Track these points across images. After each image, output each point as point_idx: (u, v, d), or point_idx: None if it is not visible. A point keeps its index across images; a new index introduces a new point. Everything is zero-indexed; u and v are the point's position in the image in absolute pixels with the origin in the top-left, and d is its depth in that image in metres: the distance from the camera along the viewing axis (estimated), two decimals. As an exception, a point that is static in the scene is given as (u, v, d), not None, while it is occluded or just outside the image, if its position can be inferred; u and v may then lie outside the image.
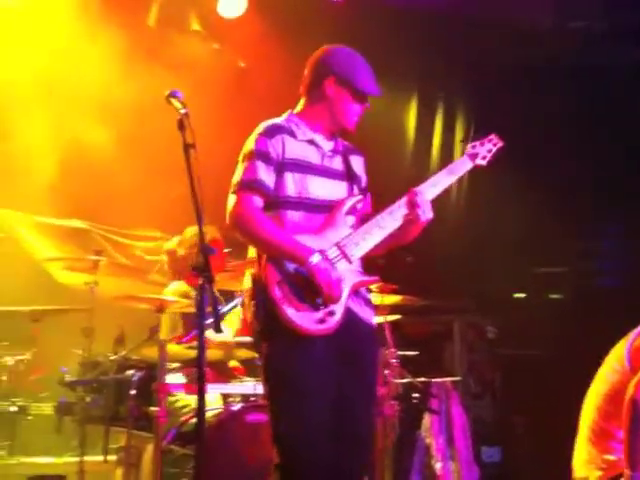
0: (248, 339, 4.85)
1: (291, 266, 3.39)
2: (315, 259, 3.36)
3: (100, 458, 5.10)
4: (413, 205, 3.59)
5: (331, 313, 3.38)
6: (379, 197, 3.86)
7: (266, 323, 3.40)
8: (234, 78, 7.66)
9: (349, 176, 3.69)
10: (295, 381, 3.36)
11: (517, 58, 7.63)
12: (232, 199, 3.49)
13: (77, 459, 5.06)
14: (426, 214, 3.60)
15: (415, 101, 8.48)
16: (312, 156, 3.60)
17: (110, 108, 6.70)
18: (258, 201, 3.47)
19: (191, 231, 5.65)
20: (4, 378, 5.56)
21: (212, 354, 4.76)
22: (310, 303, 3.36)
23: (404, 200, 3.62)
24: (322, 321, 3.36)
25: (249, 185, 3.47)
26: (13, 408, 5.39)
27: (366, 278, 3.57)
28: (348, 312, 3.45)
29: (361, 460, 3.56)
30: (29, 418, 5.49)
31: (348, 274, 3.47)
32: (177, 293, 5.47)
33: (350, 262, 3.49)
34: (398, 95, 8.07)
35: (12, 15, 6.54)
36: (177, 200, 6.92)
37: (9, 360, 5.57)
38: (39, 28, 6.54)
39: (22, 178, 6.19)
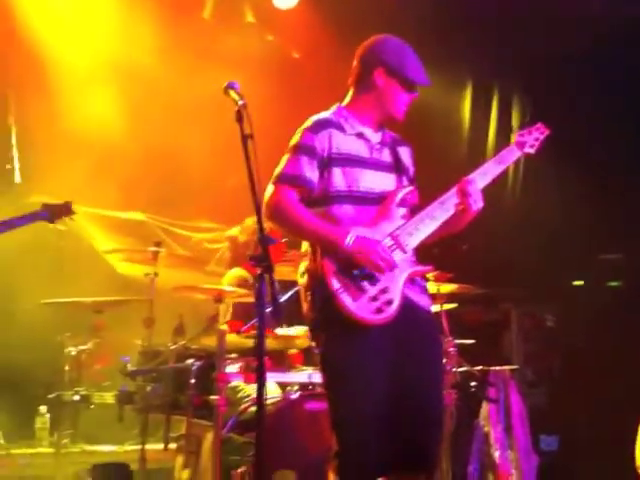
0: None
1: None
2: (349, 240, 3.37)
3: (161, 446, 5.17)
4: (464, 194, 3.58)
5: (389, 302, 3.39)
6: (435, 187, 3.85)
7: (323, 314, 3.42)
8: (288, 69, 7.69)
9: (398, 168, 3.68)
10: (353, 370, 3.36)
11: (570, 45, 7.52)
12: (270, 189, 3.51)
13: (138, 447, 5.15)
14: (477, 203, 3.59)
15: (469, 89, 8.42)
16: (361, 149, 3.60)
17: (167, 102, 6.78)
18: (295, 195, 3.49)
19: (252, 219, 5.69)
20: (67, 368, 5.66)
21: (270, 343, 4.79)
22: (369, 283, 3.37)
23: (455, 189, 3.62)
24: (380, 310, 3.37)
25: (289, 179, 3.50)
26: (76, 397, 5.47)
27: (421, 267, 3.58)
28: (405, 300, 3.45)
29: (435, 442, 3.56)
30: (92, 407, 5.57)
31: (403, 264, 3.48)
32: (235, 279, 5.53)
33: (405, 252, 3.50)
34: (452, 84, 8.01)
35: (74, 10, 6.64)
36: (233, 191, 7.03)
37: (72, 350, 5.66)
38: (103, 23, 6.62)
39: (82, 171, 6.28)
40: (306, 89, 7.36)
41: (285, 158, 3.55)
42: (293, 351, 5.46)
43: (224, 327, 4.91)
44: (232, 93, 3.27)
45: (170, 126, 6.73)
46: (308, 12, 7.40)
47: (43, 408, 6.16)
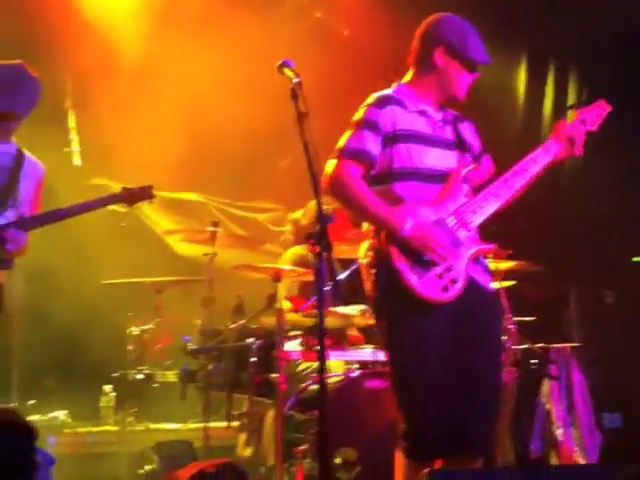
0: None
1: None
2: (407, 226, 3.36)
3: (223, 424, 5.23)
4: (567, 138, 3.61)
5: (453, 281, 3.38)
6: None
7: (388, 292, 3.41)
8: (338, 47, 7.65)
9: (460, 145, 3.65)
10: (418, 349, 3.36)
11: (635, 24, 7.34)
12: (332, 163, 3.50)
13: (201, 425, 5.22)
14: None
15: (525, 66, 8.28)
16: (424, 127, 3.57)
17: (223, 81, 6.79)
18: (357, 169, 3.47)
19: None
20: (130, 347, 5.76)
21: (330, 322, 4.81)
22: (429, 267, 3.36)
23: (533, 155, 3.60)
24: (445, 289, 3.36)
25: (352, 153, 3.48)
26: (140, 376, 5.58)
27: (484, 246, 3.55)
28: (469, 280, 3.43)
29: (494, 422, 3.54)
30: (155, 386, 5.68)
31: (467, 242, 3.46)
32: (294, 257, 5.56)
33: (468, 230, 3.48)
34: (507, 61, 7.89)
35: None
36: (288, 171, 7.05)
37: (135, 330, 5.76)
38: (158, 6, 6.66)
39: (140, 153, 6.34)
40: (356, 67, 7.32)
41: (348, 133, 3.53)
42: (352, 329, 5.48)
43: (284, 305, 4.95)
44: (287, 71, 3.26)
45: (226, 106, 6.74)
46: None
47: (108, 387, 6.27)
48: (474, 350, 3.41)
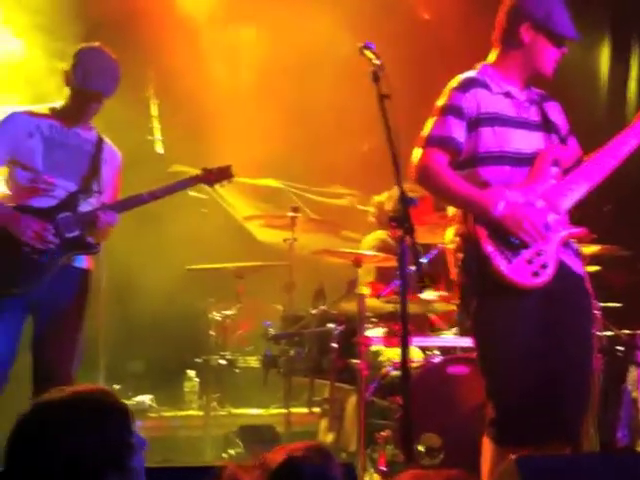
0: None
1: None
2: (500, 207, 3.29)
3: (305, 410, 5.26)
4: None
5: (544, 266, 3.31)
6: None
7: (476, 278, 3.36)
8: (418, 31, 7.57)
9: (547, 126, 3.56)
10: (509, 335, 3.30)
11: None
12: (418, 153, 3.45)
13: (283, 410, 5.25)
14: None
15: (608, 46, 8.06)
16: (508, 109, 3.49)
17: (297, 66, 6.80)
18: (444, 157, 3.41)
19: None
20: (213, 333, 5.82)
21: (411, 307, 4.76)
22: (523, 246, 3.30)
23: (628, 132, 3.51)
24: (536, 274, 3.29)
25: (437, 141, 3.42)
26: (222, 362, 5.63)
27: (574, 229, 3.47)
28: (560, 264, 3.36)
29: (583, 410, 3.47)
30: (237, 371, 5.72)
31: (557, 226, 3.39)
32: (376, 241, 5.54)
33: (558, 213, 3.41)
34: (589, 40, 7.69)
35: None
36: (368, 156, 7.01)
37: (217, 316, 5.82)
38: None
39: (219, 141, 6.39)
40: (437, 51, 7.24)
41: (432, 120, 3.47)
42: (433, 315, 5.44)
43: (365, 290, 4.93)
44: (368, 53, 3.23)
45: (305, 92, 6.75)
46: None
47: (191, 372, 6.37)
48: (565, 336, 3.34)
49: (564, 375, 3.32)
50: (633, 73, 8.00)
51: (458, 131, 3.41)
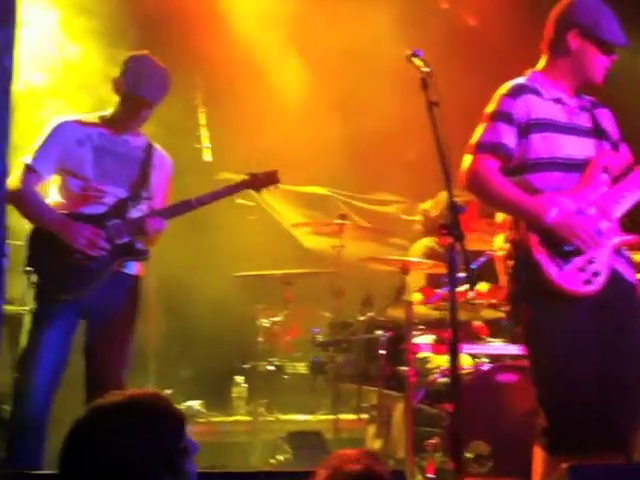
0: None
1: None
2: (552, 214, 3.27)
3: (352, 416, 5.26)
4: None
5: (596, 273, 3.28)
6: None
7: (527, 285, 3.33)
8: (464, 37, 7.54)
9: (598, 132, 3.53)
10: (563, 344, 3.27)
11: None
12: (468, 159, 3.43)
13: (331, 417, 5.26)
14: None
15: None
16: (559, 115, 3.46)
17: (343, 73, 6.81)
18: (494, 163, 3.39)
19: (445, 193, 5.64)
20: (261, 339, 5.85)
21: (459, 314, 4.74)
22: (572, 256, 3.27)
23: None
24: (588, 282, 3.27)
25: (487, 147, 3.40)
26: (270, 367, 5.66)
27: (626, 237, 3.43)
28: (612, 272, 3.33)
29: (636, 420, 3.39)
30: (285, 377, 5.75)
31: (608, 233, 3.35)
32: (423, 248, 5.53)
33: (610, 220, 3.37)
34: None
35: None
36: (414, 163, 7.00)
37: (265, 322, 5.84)
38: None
39: (267, 148, 6.42)
40: (483, 57, 7.20)
41: (482, 126, 3.46)
42: (478, 322, 5.41)
43: (415, 296, 4.91)
44: (416, 61, 3.22)
45: (351, 99, 6.76)
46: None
47: (239, 378, 6.39)
48: (618, 344, 3.30)
49: (618, 384, 3.27)
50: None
51: (508, 137, 3.39)
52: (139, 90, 3.99)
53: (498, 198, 3.40)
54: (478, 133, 3.46)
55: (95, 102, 4.11)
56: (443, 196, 5.59)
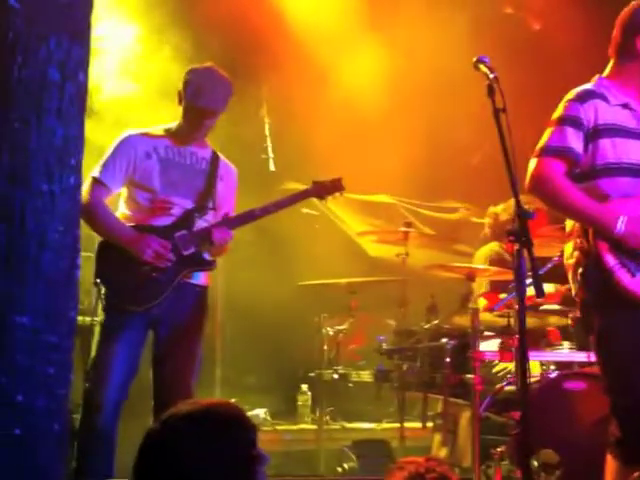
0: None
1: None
2: (620, 225, 3.22)
3: (418, 424, 5.23)
4: None
5: None
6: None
7: (599, 293, 3.30)
8: (529, 41, 7.49)
9: None
10: (635, 352, 3.21)
11: None
12: (533, 163, 3.41)
13: (396, 425, 5.24)
14: None
15: None
16: (628, 120, 3.43)
17: (407, 81, 6.82)
18: (561, 167, 3.36)
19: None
20: (325, 348, 5.87)
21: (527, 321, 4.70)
22: None
23: None
24: None
25: (554, 151, 3.38)
26: (335, 376, 5.67)
27: None
28: None
29: None
30: (350, 385, 5.75)
31: None
32: (490, 252, 5.50)
33: None
34: None
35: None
36: (478, 169, 6.97)
37: (330, 330, 5.86)
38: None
39: (331, 157, 6.45)
40: (547, 61, 7.14)
41: (549, 130, 3.44)
42: (551, 328, 5.36)
43: (480, 302, 4.88)
44: (482, 67, 3.20)
45: (416, 106, 6.76)
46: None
47: (304, 386, 6.42)
48: None
49: None
50: None
51: (576, 141, 3.36)
52: (200, 100, 4.04)
53: (563, 203, 3.37)
54: (545, 137, 3.44)
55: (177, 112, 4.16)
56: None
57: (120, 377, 3.90)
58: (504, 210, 5.70)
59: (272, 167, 5.74)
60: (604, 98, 3.42)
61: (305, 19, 6.73)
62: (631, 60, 3.46)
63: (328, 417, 5.93)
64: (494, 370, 5.12)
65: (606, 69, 3.57)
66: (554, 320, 4.99)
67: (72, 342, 2.55)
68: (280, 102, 6.31)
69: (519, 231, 2.99)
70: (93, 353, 3.91)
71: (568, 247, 3.48)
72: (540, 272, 4.84)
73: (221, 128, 4.28)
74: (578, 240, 3.39)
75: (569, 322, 4.95)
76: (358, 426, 6.16)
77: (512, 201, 5.58)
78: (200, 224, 4.09)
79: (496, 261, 5.30)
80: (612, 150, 3.37)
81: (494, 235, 5.75)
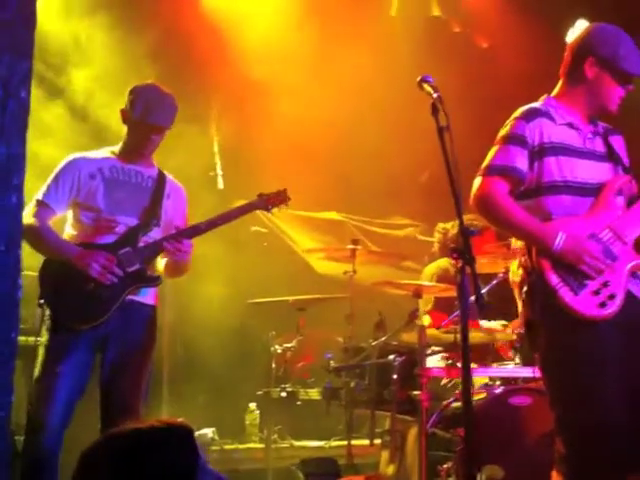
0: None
1: None
2: (559, 242, 3.26)
3: (366, 442, 5.24)
4: None
5: (611, 296, 3.25)
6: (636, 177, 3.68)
7: (543, 312, 3.32)
8: (477, 60, 7.60)
9: (612, 157, 3.53)
10: (580, 369, 3.23)
11: None
12: (478, 182, 3.43)
13: (344, 442, 5.24)
14: None
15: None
16: (573, 139, 3.47)
17: (356, 100, 6.86)
18: (504, 186, 3.39)
19: (467, 217, 5.61)
20: (274, 366, 5.85)
21: (472, 337, 4.74)
22: (585, 283, 3.26)
23: None
24: (603, 305, 3.24)
25: (498, 170, 3.40)
26: (283, 394, 5.66)
27: None
28: (628, 295, 3.31)
29: None
30: (298, 403, 5.74)
31: (624, 255, 3.34)
32: (438, 269, 5.54)
33: (625, 243, 3.36)
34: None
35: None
36: (426, 187, 7.03)
37: (278, 348, 5.85)
38: (297, 29, 6.80)
39: (279, 174, 6.44)
40: (497, 79, 7.24)
41: (494, 149, 3.47)
42: (499, 344, 5.40)
43: (425, 319, 4.91)
44: (426, 86, 3.22)
45: (362, 125, 6.80)
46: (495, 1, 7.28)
47: (252, 405, 6.39)
48: (638, 369, 3.26)
49: (636, 407, 3.22)
50: None
51: (520, 160, 3.39)
52: (150, 117, 4.04)
53: (505, 222, 3.40)
54: (490, 156, 3.47)
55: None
56: (464, 217, 5.59)
57: (64, 398, 3.84)
58: (453, 226, 5.76)
59: (221, 185, 5.72)
60: (550, 117, 3.46)
61: (249, 36, 6.74)
62: (579, 83, 3.50)
63: (276, 435, 5.91)
64: (442, 386, 5.15)
65: (555, 89, 3.62)
66: (501, 336, 5.04)
67: (13, 364, 2.51)
68: (229, 120, 6.31)
69: (462, 248, 3.02)
70: (37, 374, 3.85)
71: (513, 265, 3.51)
72: (485, 289, 4.98)
73: (170, 146, 4.27)
74: (522, 258, 3.42)
75: (514, 337, 5.00)
76: (306, 444, 6.15)
77: (464, 216, 5.65)
78: (145, 240, 4.08)
79: (443, 278, 5.35)
80: (557, 168, 3.40)
81: (443, 251, 5.80)
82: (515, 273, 3.47)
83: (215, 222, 4.17)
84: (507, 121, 3.50)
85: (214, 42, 6.60)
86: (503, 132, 3.48)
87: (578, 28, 7.18)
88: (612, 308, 3.25)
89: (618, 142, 3.62)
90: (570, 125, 3.49)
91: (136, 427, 2.04)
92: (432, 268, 5.68)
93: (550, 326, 3.31)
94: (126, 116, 4.11)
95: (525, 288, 3.39)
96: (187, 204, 4.37)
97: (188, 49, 6.37)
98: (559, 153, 3.42)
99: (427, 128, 3.21)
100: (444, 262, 5.65)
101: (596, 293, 3.25)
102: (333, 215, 7.31)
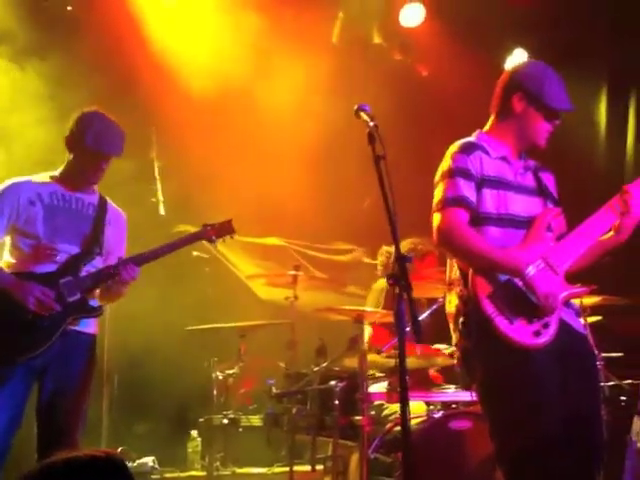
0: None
1: (502, 278, 3.36)
2: (531, 270, 3.33)
3: (308, 468, 5.23)
4: (628, 201, 3.47)
5: (546, 325, 3.32)
6: (574, 196, 3.76)
7: (480, 341, 3.36)
8: (417, 87, 7.70)
9: (542, 192, 3.62)
10: (517, 398, 3.27)
11: None
12: (437, 217, 3.46)
13: (286, 469, 5.23)
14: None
15: (605, 97, 8.15)
16: (507, 173, 3.55)
17: (297, 126, 6.90)
18: (464, 215, 3.43)
19: (409, 239, 5.64)
20: (215, 392, 5.82)
21: (411, 362, 4.79)
22: (525, 315, 3.31)
23: (613, 202, 3.52)
24: (537, 334, 3.30)
25: (453, 201, 3.44)
26: (225, 421, 5.63)
27: (576, 289, 3.49)
28: (562, 323, 3.37)
29: (598, 468, 3.39)
30: (240, 430, 5.72)
31: (557, 286, 3.40)
32: (382, 290, 5.57)
33: (556, 274, 3.42)
34: (587, 89, 7.78)
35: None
36: (367, 212, 7.07)
37: (220, 375, 5.82)
38: (235, 57, 6.80)
39: (220, 201, 6.45)
40: (437, 106, 7.34)
41: (442, 184, 3.49)
42: (434, 370, 5.45)
43: (367, 330, 4.94)
44: (363, 115, 3.25)
45: (304, 150, 6.84)
46: (436, 28, 7.38)
47: (194, 432, 6.34)
48: (574, 396, 3.33)
49: (576, 437, 3.27)
50: (631, 122, 8.07)
51: (469, 191, 3.44)
52: (102, 145, 4.02)
53: (472, 251, 3.40)
54: (440, 191, 3.49)
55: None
56: (406, 241, 5.63)
57: (1, 430, 3.79)
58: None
59: (162, 211, 5.69)
60: (485, 151, 3.53)
61: (190, 59, 6.75)
62: (508, 118, 3.58)
63: (218, 463, 5.86)
64: (383, 411, 5.17)
65: (486, 125, 3.68)
66: (440, 360, 5.09)
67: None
68: (169, 144, 6.29)
69: (399, 275, 3.04)
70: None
71: (450, 296, 3.54)
72: (425, 314, 5.03)
73: (111, 172, 4.24)
74: (458, 289, 3.46)
75: (455, 362, 5.04)
76: (249, 471, 6.10)
77: (406, 240, 5.70)
78: (87, 269, 4.03)
79: (387, 298, 5.39)
80: (492, 201, 3.47)
81: (385, 273, 5.82)
82: (451, 304, 3.52)
83: (157, 252, 4.15)
84: (445, 156, 3.55)
85: (154, 63, 6.59)
86: (446, 167, 3.52)
87: (517, 57, 7.41)
88: (546, 337, 3.31)
89: (549, 179, 3.71)
90: (503, 159, 3.56)
91: (72, 456, 2.02)
92: (382, 283, 5.70)
93: (486, 355, 3.36)
94: (73, 143, 4.08)
95: (462, 319, 3.43)
96: (127, 230, 4.34)
97: (126, 70, 6.36)
98: (495, 186, 3.49)
99: (368, 155, 3.24)
100: (385, 283, 5.68)
101: (530, 322, 3.31)
102: (275, 240, 7.31)
